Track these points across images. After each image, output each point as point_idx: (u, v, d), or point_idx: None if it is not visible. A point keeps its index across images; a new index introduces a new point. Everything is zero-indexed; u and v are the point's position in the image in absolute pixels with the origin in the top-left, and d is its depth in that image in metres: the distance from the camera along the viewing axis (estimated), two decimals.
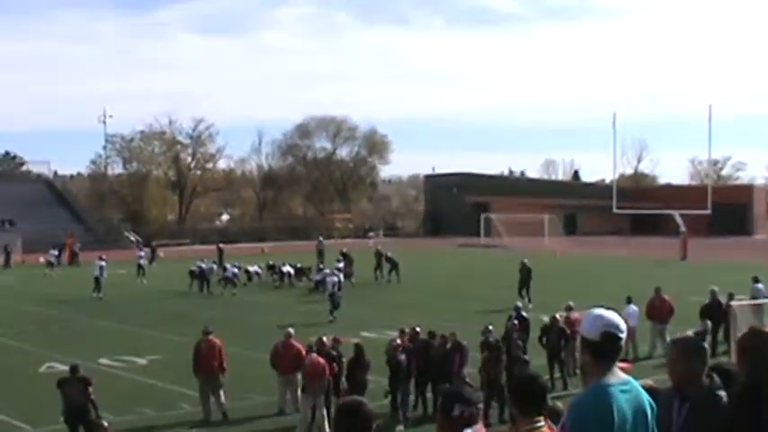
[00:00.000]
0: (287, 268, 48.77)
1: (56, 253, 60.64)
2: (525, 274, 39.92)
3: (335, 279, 37.60)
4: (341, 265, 45.59)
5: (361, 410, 5.12)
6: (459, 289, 46.25)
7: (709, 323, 26.84)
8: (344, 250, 52.14)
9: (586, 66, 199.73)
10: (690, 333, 6.73)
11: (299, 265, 49.85)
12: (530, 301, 36.80)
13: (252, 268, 49.71)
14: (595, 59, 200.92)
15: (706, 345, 6.01)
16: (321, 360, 19.55)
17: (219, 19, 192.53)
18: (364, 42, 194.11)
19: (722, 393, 5.89)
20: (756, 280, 31.99)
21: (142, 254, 56.35)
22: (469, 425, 5.34)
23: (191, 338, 29.10)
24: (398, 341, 20.79)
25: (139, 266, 52.90)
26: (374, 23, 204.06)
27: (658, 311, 27.38)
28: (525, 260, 41.08)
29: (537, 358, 22.58)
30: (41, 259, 59.63)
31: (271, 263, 51.10)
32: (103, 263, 44.98)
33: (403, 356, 20.22)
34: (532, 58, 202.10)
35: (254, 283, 48.51)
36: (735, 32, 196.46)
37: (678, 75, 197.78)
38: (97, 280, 44.02)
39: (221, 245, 60.75)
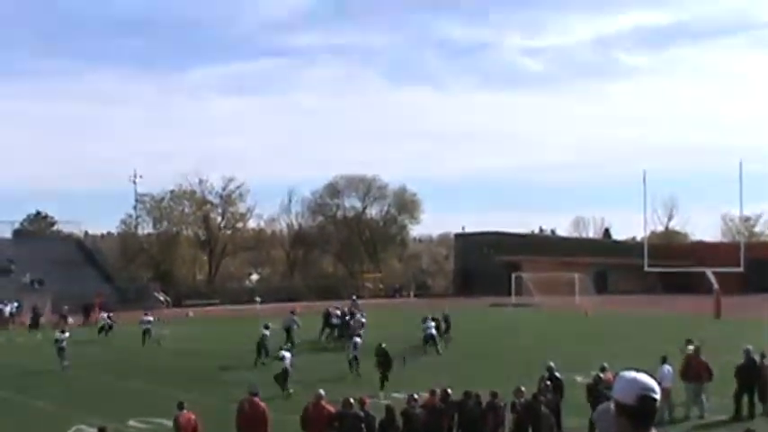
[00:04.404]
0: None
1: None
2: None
3: (359, 340, 37.60)
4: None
5: None
6: (490, 349, 45.85)
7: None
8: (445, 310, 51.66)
9: (615, 123, 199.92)
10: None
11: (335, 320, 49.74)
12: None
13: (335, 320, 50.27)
14: (624, 116, 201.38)
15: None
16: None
17: (249, 79, 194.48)
18: (393, 102, 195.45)
19: None
20: None
21: (150, 318, 52.52)
22: None
23: (219, 400, 29.02)
24: (415, 396, 20.63)
25: (145, 331, 50.78)
26: (403, 83, 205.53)
27: (694, 371, 26.92)
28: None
29: (569, 419, 22.28)
30: (71, 320, 59.70)
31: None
32: (110, 320, 44.86)
33: (418, 410, 20.06)
34: (561, 117, 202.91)
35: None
36: (763, 86, 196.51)
37: (707, 130, 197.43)
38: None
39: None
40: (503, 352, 43.62)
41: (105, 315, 55.92)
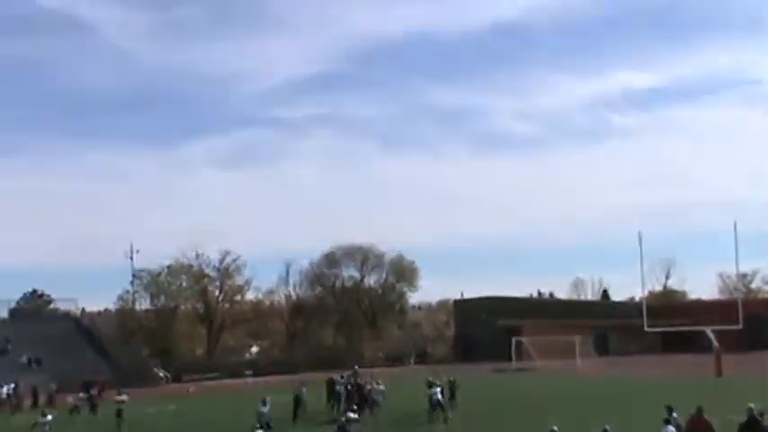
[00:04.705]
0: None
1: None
2: None
3: (353, 416, 36.57)
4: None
5: None
6: (494, 415, 45.47)
7: None
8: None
9: (608, 184, 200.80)
10: None
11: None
12: None
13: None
14: (617, 177, 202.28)
15: None
16: None
17: (244, 152, 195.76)
18: (388, 171, 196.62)
19: None
20: None
21: (124, 398, 48.75)
22: None
23: None
24: None
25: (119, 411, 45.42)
26: (397, 152, 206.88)
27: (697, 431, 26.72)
28: None
29: None
30: (69, 399, 59.19)
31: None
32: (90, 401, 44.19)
33: None
34: (555, 180, 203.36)
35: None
36: (756, 142, 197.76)
37: (701, 188, 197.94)
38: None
39: None
40: (506, 418, 43.29)
41: (81, 395, 53.53)
